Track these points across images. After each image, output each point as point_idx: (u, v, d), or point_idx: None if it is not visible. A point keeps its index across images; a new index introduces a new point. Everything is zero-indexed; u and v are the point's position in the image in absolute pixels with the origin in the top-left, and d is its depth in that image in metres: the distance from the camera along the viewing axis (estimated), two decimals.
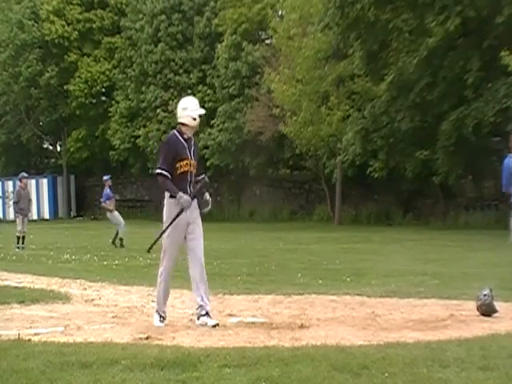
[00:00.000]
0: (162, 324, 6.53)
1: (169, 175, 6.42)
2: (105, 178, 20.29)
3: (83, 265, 13.39)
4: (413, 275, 10.29)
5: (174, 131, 6.62)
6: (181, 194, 6.34)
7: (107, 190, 19.67)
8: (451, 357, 4.74)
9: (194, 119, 6.53)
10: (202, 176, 6.74)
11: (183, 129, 6.55)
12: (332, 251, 15.89)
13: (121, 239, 18.57)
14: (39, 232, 25.77)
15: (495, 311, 6.82)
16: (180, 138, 6.52)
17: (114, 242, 18.52)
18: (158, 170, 6.51)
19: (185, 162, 6.44)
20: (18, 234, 18.50)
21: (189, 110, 6.52)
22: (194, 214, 6.61)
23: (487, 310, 6.83)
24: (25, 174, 19.67)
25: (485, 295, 6.89)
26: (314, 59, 27.03)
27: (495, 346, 5.14)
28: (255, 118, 29.83)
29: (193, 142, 6.60)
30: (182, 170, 6.43)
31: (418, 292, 8.38)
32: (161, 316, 6.62)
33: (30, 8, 40.40)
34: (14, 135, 43.29)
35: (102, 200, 19.89)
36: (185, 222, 6.52)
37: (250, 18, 32.00)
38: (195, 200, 6.60)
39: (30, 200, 19.48)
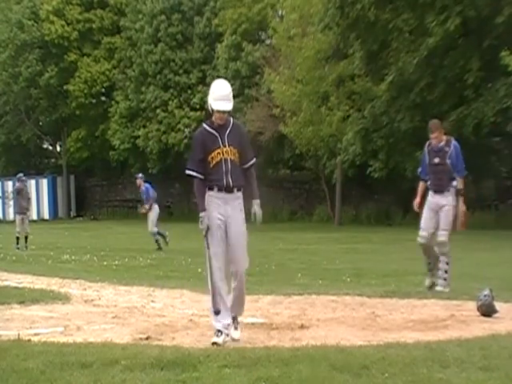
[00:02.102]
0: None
1: (199, 174, 5.90)
2: (139, 175, 19.24)
3: (83, 265, 13.39)
4: (413, 275, 10.28)
5: (203, 124, 6.06)
6: (203, 214, 5.80)
7: (148, 189, 18.50)
8: (451, 357, 4.74)
9: (214, 111, 5.88)
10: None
11: (213, 116, 5.92)
12: (332, 251, 15.90)
13: (162, 235, 17.52)
14: (39, 232, 25.75)
15: (495, 311, 6.82)
16: (208, 128, 5.92)
17: (160, 245, 17.25)
18: (187, 171, 6.00)
19: (216, 151, 5.83)
20: (17, 235, 18.55)
21: (211, 98, 5.88)
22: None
23: (487, 311, 6.83)
24: (22, 175, 19.86)
25: (485, 295, 6.89)
26: (313, 59, 27.04)
27: (495, 346, 5.14)
28: (255, 118, 29.82)
29: (230, 128, 5.91)
30: (214, 161, 5.83)
31: (418, 292, 8.38)
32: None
33: (30, 8, 40.42)
34: (14, 135, 43.31)
35: (145, 199, 18.42)
36: None
37: (250, 18, 32.01)
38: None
39: (29, 199, 19.54)
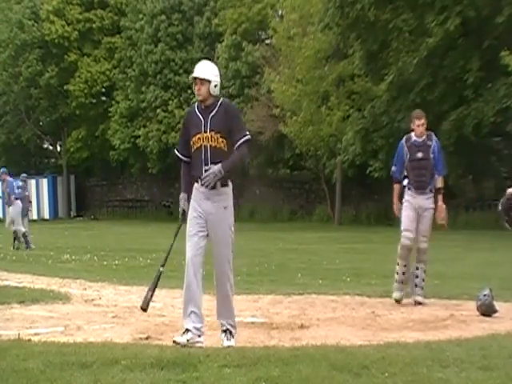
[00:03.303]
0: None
1: (183, 157, 5.69)
2: (1, 169, 18.64)
3: (83, 265, 13.38)
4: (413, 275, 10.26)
5: (196, 103, 5.76)
6: (181, 196, 5.67)
7: (11, 183, 18.29)
8: (451, 357, 4.74)
9: (192, 83, 5.69)
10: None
11: None
12: (332, 251, 15.89)
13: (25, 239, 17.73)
14: (39, 232, 25.75)
15: (495, 311, 6.82)
16: (196, 110, 5.65)
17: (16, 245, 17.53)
18: (175, 152, 5.82)
19: (197, 136, 5.51)
20: (14, 235, 18.59)
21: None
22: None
23: (487, 310, 6.83)
24: (25, 176, 19.99)
25: (485, 295, 6.90)
26: (313, 59, 27.04)
27: (495, 346, 5.14)
28: (255, 118, 29.81)
29: (216, 110, 5.53)
30: (195, 146, 5.53)
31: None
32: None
33: (30, 8, 40.40)
34: (14, 135, 43.29)
35: (8, 194, 18.17)
36: None
37: (250, 18, 32.01)
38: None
39: (29, 201, 19.62)
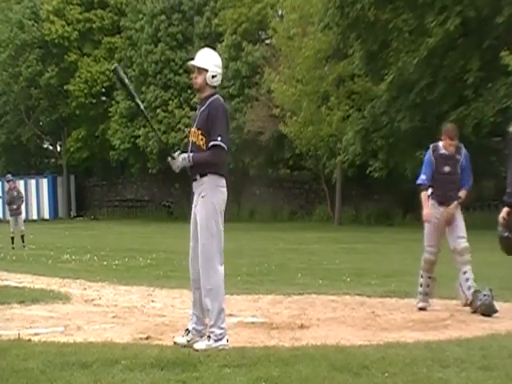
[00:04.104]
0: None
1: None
2: None
3: (83, 265, 13.38)
4: (413, 275, 10.25)
5: None
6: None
7: None
8: (451, 357, 4.74)
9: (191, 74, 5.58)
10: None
11: None
12: (332, 251, 15.89)
13: None
14: (39, 232, 25.78)
15: (495, 311, 6.82)
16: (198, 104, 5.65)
17: None
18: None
19: (190, 130, 5.54)
20: (11, 235, 18.65)
21: None
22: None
23: (487, 310, 6.83)
24: (10, 176, 19.93)
25: (484, 295, 6.89)
26: (313, 59, 27.04)
27: (495, 345, 5.14)
28: (255, 117, 29.85)
29: (205, 106, 5.41)
30: (186, 140, 5.51)
31: (418, 292, 8.37)
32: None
33: (30, 8, 40.43)
34: (14, 135, 43.32)
35: None
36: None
37: (250, 18, 32.02)
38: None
39: (22, 200, 19.64)
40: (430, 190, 7.61)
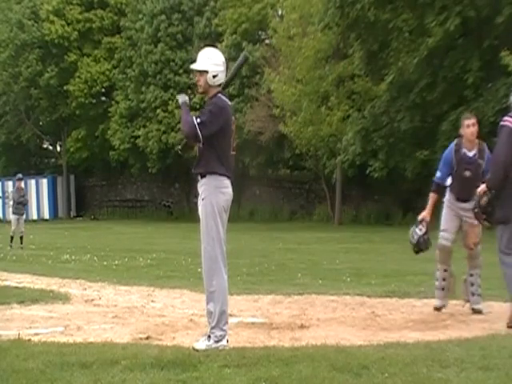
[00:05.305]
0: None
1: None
2: None
3: (83, 265, 13.38)
4: (413, 275, 10.29)
5: None
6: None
7: None
8: (451, 357, 4.74)
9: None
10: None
11: None
12: (332, 251, 15.90)
13: None
14: (39, 232, 25.78)
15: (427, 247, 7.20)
16: None
17: None
18: None
19: None
20: (11, 234, 18.68)
21: None
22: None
23: (421, 248, 7.22)
24: (21, 175, 20.22)
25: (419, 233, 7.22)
26: (314, 59, 27.04)
27: (495, 345, 5.14)
28: (255, 117, 29.84)
29: (205, 106, 5.52)
30: None
31: (418, 292, 8.38)
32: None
33: (30, 8, 40.40)
34: (13, 135, 43.32)
35: None
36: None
37: (250, 18, 32.02)
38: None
39: (27, 201, 19.76)
40: (449, 180, 7.16)
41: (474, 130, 6.99)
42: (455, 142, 7.16)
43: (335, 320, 6.72)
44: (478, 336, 5.71)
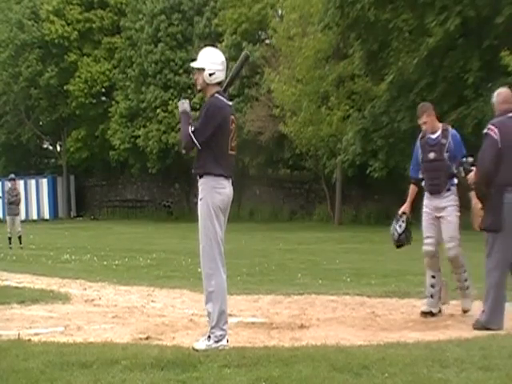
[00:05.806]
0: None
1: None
2: None
3: (83, 265, 13.39)
4: (413, 275, 10.28)
5: None
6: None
7: None
8: (451, 357, 4.74)
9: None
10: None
11: None
12: (332, 251, 15.90)
13: None
14: (39, 232, 25.79)
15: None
16: None
17: None
18: None
19: None
20: (8, 235, 18.68)
21: None
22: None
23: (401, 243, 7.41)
24: (13, 176, 20.22)
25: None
26: (314, 59, 27.04)
27: (495, 346, 5.14)
28: (255, 117, 29.83)
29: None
30: None
31: (418, 292, 8.37)
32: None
33: (30, 8, 40.39)
34: (13, 135, 43.29)
35: None
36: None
37: (250, 18, 32.02)
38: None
39: (19, 200, 19.74)
40: (424, 182, 7.26)
41: (426, 126, 7.15)
42: (422, 132, 7.30)
43: (335, 320, 6.72)
44: (478, 336, 5.71)
